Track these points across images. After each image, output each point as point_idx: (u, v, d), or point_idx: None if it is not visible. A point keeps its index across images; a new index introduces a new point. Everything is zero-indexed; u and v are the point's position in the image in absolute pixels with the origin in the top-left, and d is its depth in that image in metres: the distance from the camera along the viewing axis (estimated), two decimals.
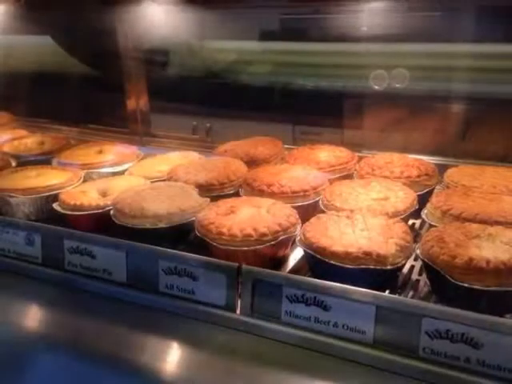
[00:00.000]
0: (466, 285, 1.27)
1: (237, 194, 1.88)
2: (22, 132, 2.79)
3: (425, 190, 1.84)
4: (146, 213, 1.65)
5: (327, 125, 2.60)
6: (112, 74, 2.93)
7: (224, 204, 1.67)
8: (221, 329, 1.40)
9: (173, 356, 1.37)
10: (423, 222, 1.73)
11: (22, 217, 1.91)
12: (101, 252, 1.58)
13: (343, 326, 1.29)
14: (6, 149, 2.47)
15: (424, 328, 1.20)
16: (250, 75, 2.85)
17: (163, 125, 2.91)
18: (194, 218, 1.65)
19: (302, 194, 1.79)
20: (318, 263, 1.41)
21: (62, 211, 1.82)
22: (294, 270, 1.57)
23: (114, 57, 2.75)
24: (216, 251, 1.53)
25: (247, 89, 2.80)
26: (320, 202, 1.77)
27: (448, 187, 1.85)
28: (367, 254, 1.36)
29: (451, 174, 1.89)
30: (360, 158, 2.12)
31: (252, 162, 2.13)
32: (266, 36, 2.79)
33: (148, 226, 1.64)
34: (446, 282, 1.30)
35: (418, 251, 1.42)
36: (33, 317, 1.58)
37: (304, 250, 1.48)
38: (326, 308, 1.30)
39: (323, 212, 1.67)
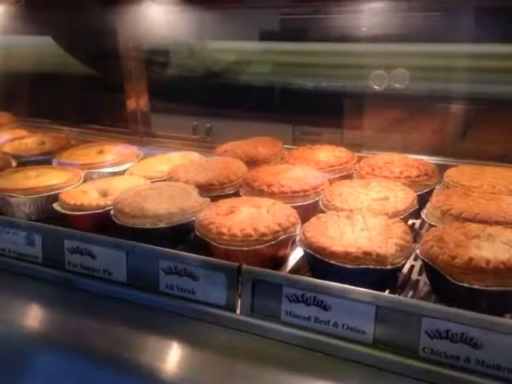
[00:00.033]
0: (465, 285, 1.27)
1: (237, 194, 1.89)
2: (23, 132, 2.79)
3: (424, 190, 1.84)
4: (147, 213, 1.65)
5: (327, 125, 2.61)
6: (112, 74, 2.93)
7: (224, 204, 1.68)
8: (221, 328, 1.40)
9: (173, 356, 1.38)
10: (423, 222, 1.73)
11: (22, 217, 1.91)
12: (101, 252, 1.58)
13: (343, 326, 1.29)
14: (7, 149, 2.47)
15: (424, 328, 1.20)
16: (251, 75, 2.85)
17: (163, 125, 2.91)
18: (194, 218, 1.65)
19: (301, 193, 1.79)
20: (318, 263, 1.41)
21: (63, 211, 1.82)
22: (294, 270, 1.57)
23: (115, 57, 2.75)
24: (216, 251, 1.54)
25: (247, 89, 2.80)
26: (320, 201, 1.77)
27: (448, 187, 1.85)
28: (367, 253, 1.36)
29: (451, 174, 1.90)
30: (360, 158, 2.12)
31: (252, 162, 2.13)
32: (266, 36, 2.79)
33: (148, 225, 1.64)
34: (446, 282, 1.30)
35: (417, 251, 1.43)
36: (33, 316, 1.58)
37: (304, 250, 1.48)
38: (325, 308, 1.30)
39: (323, 212, 1.67)
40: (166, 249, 1.50)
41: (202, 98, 2.84)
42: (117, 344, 1.40)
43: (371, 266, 1.35)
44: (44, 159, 2.34)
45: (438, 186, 1.91)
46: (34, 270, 1.69)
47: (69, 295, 1.61)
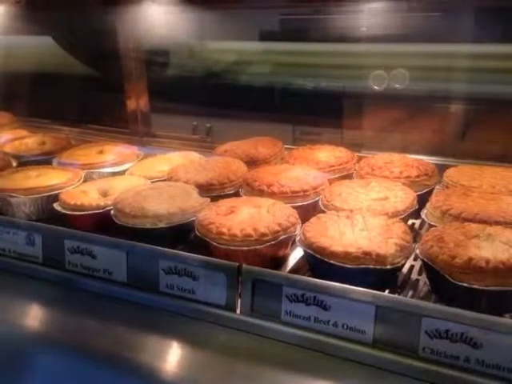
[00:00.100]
0: (465, 284, 1.27)
1: (237, 194, 1.89)
2: (23, 132, 2.79)
3: (424, 190, 1.84)
4: (147, 213, 1.65)
5: (327, 125, 2.61)
6: (112, 74, 2.93)
7: (224, 204, 1.68)
8: (221, 328, 1.41)
9: (173, 355, 1.38)
10: (423, 222, 1.73)
11: (22, 217, 1.91)
12: (101, 252, 1.59)
13: (343, 326, 1.29)
14: (7, 149, 2.47)
15: (424, 328, 1.20)
16: (250, 75, 2.85)
17: (163, 125, 2.91)
18: (194, 218, 1.66)
19: (301, 193, 1.79)
20: (318, 263, 1.41)
21: (63, 211, 1.82)
22: (294, 270, 1.57)
23: (115, 57, 2.76)
24: (216, 251, 1.54)
25: (247, 89, 2.80)
26: (320, 201, 1.77)
27: (447, 187, 1.85)
28: (367, 253, 1.36)
29: (450, 174, 1.90)
30: (360, 158, 2.12)
31: (252, 162, 2.13)
32: (266, 36, 2.79)
33: (148, 225, 1.64)
34: (446, 282, 1.30)
35: (417, 251, 1.43)
36: (33, 316, 1.58)
37: (304, 250, 1.49)
38: (325, 308, 1.30)
39: (323, 212, 1.67)
40: (166, 249, 1.50)
41: (202, 98, 2.84)
42: (117, 344, 1.40)
43: (371, 266, 1.35)
44: (44, 159, 2.34)
45: (437, 186, 1.92)
46: (35, 270, 1.69)
47: (69, 295, 1.61)
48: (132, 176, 2.11)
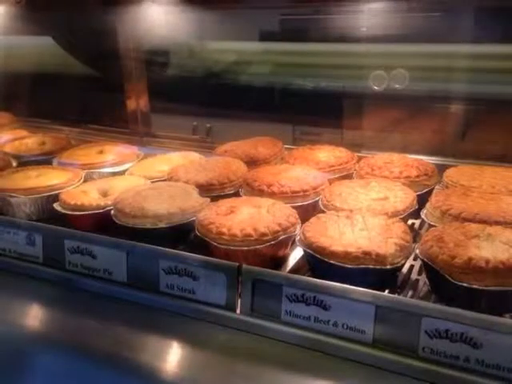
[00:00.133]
0: (465, 284, 1.27)
1: (237, 194, 1.89)
2: (23, 132, 2.79)
3: (424, 190, 1.84)
4: (147, 213, 1.66)
5: (327, 125, 2.61)
6: (112, 74, 2.93)
7: (224, 204, 1.68)
8: (221, 328, 1.41)
9: (173, 355, 1.38)
10: (422, 222, 1.73)
11: (22, 217, 1.91)
12: (101, 252, 1.59)
13: (343, 326, 1.29)
14: (7, 149, 2.47)
15: (423, 327, 1.20)
16: (250, 76, 2.86)
17: (163, 125, 2.91)
18: (194, 218, 1.66)
19: (301, 193, 1.79)
20: (318, 263, 1.42)
21: (63, 211, 1.82)
22: (294, 270, 1.57)
23: (115, 57, 2.76)
24: (216, 251, 1.54)
25: (247, 89, 2.80)
26: (320, 201, 1.77)
27: (447, 187, 1.85)
28: (367, 253, 1.36)
29: (450, 174, 1.90)
30: (359, 158, 2.12)
31: (252, 162, 2.13)
32: (266, 36, 2.79)
33: (148, 225, 1.64)
34: (446, 282, 1.30)
35: (417, 251, 1.43)
36: (33, 316, 1.58)
37: (304, 250, 1.49)
38: (325, 307, 1.30)
39: (323, 212, 1.67)
40: (166, 249, 1.51)
41: (202, 98, 2.84)
42: (117, 344, 1.40)
43: (371, 266, 1.36)
44: (44, 159, 2.34)
45: (437, 186, 1.92)
46: (35, 270, 1.69)
47: (69, 295, 1.61)
48: (132, 176, 2.11)
